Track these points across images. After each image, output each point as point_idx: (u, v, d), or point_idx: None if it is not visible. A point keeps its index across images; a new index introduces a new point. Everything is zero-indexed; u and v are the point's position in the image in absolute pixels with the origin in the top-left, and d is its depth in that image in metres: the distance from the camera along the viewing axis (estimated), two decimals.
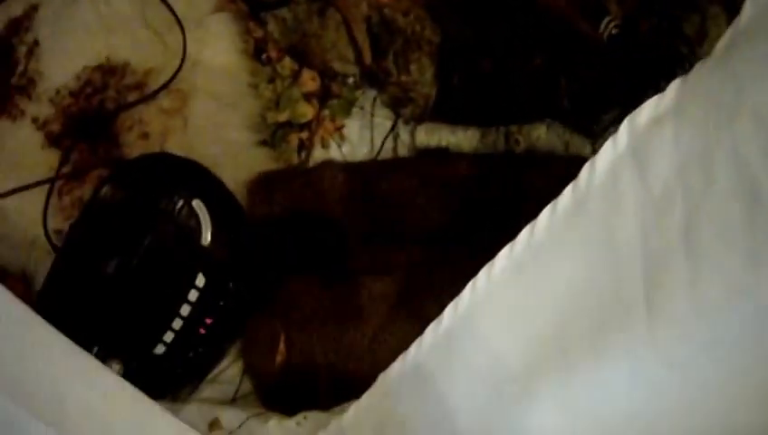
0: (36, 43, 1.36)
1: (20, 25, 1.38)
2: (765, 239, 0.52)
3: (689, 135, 0.55)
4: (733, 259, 0.54)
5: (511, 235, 0.73)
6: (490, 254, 0.75)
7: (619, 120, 1.24)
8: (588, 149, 1.22)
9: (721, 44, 0.57)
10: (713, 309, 0.57)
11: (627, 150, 0.58)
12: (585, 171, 0.60)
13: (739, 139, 0.52)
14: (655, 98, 0.58)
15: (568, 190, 0.61)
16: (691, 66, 1.31)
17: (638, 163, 0.58)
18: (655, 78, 1.28)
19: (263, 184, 1.21)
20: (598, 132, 1.26)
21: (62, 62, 1.34)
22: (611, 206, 0.59)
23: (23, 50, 1.36)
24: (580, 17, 1.21)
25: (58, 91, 1.31)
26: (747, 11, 0.55)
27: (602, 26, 1.20)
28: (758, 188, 0.51)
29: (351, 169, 1.21)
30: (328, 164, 1.23)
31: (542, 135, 1.19)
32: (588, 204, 0.60)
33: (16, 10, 1.39)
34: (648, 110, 0.58)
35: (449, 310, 0.75)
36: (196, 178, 1.12)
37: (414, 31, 1.21)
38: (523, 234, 0.66)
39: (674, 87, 0.57)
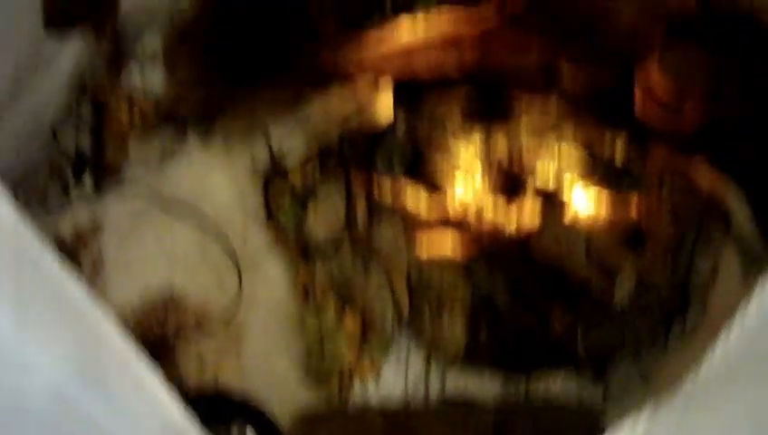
0: (101, 258, 1.55)
1: (86, 238, 1.57)
2: None
3: None
4: None
5: None
6: None
7: (632, 364, 1.45)
8: (599, 398, 1.42)
9: (683, 389, 0.78)
10: None
11: None
12: None
13: None
14: (628, 427, 0.79)
15: None
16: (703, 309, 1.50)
17: None
18: (666, 323, 1.48)
19: (305, 423, 1.41)
20: (610, 377, 1.46)
21: (125, 284, 1.52)
22: None
23: (88, 263, 1.54)
24: (597, 277, 1.43)
25: (121, 317, 1.46)
26: (702, 373, 0.77)
27: (616, 286, 1.42)
28: None
29: (386, 415, 1.41)
30: (365, 409, 1.44)
31: (558, 386, 1.40)
32: None
33: (81, 217, 1.58)
34: None
35: None
36: (249, 412, 1.33)
37: (448, 291, 1.44)
38: None
39: (644, 419, 0.78)
